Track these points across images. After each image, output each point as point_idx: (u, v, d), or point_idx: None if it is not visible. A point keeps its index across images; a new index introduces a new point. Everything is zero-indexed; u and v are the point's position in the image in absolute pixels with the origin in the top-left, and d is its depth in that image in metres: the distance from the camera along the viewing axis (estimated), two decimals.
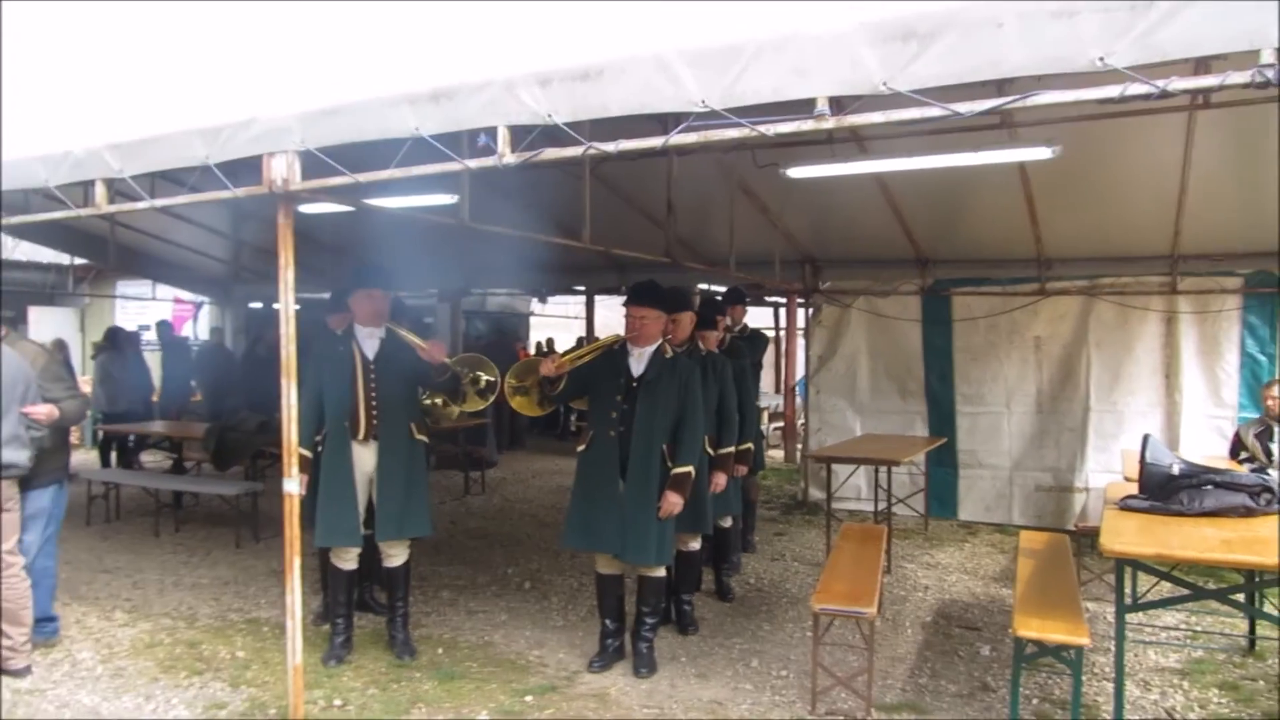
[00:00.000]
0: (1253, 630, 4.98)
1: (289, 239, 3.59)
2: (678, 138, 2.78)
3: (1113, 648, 3.77)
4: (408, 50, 3.66)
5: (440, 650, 4.85)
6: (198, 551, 6.99)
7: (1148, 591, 4.30)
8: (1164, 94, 2.21)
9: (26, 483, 4.46)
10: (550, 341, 15.24)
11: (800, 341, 10.80)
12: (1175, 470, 3.95)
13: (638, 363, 4.54)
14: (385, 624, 4.89)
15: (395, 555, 4.70)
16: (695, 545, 5.18)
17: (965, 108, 2.43)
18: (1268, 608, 4.83)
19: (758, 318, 12.06)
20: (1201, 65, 2.72)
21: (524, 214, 7.86)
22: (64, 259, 12.75)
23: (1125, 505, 3.96)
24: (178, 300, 14.55)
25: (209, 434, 7.96)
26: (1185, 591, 3.77)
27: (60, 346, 8.24)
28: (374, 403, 4.59)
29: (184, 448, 8.89)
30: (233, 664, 4.64)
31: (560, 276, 11.32)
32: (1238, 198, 6.13)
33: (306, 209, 6.28)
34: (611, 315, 14.21)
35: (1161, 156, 5.76)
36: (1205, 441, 7.07)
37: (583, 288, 12.95)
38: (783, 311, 13.29)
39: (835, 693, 4.26)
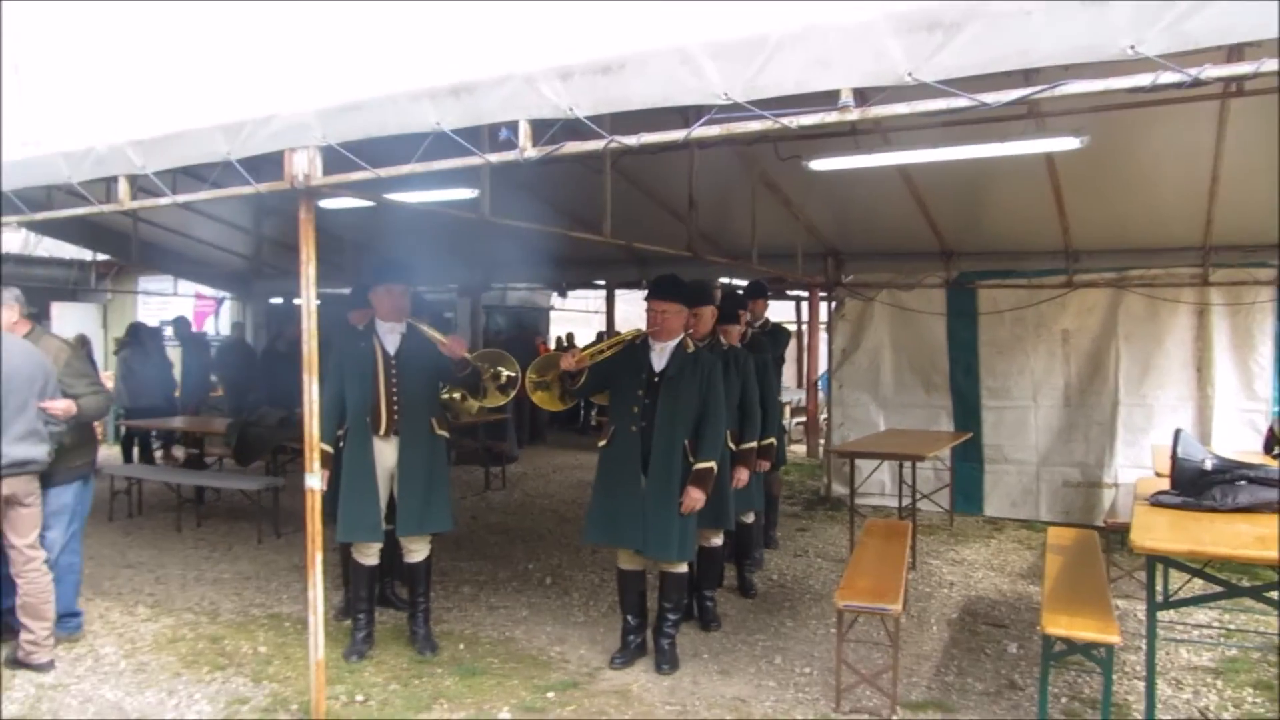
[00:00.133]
0: None
1: (310, 234, 3.59)
2: (700, 130, 2.77)
3: (1144, 646, 3.72)
4: (428, 45, 3.67)
5: (461, 646, 4.85)
6: (219, 546, 7.03)
7: (1179, 589, 4.23)
8: (1196, 82, 2.17)
9: (49, 479, 4.48)
10: (570, 336, 15.22)
11: (822, 335, 10.74)
12: (1207, 465, 3.91)
13: (659, 357, 4.51)
14: (406, 619, 4.90)
15: (416, 550, 4.70)
16: (717, 541, 5.15)
17: (992, 98, 2.39)
18: None
19: (779, 312, 12.04)
20: (1235, 52, 2.66)
21: (544, 208, 7.86)
22: (86, 255, 12.91)
23: (1156, 501, 3.92)
24: (199, 296, 14.67)
25: (230, 429, 8.02)
26: (1218, 589, 3.71)
27: (83, 342, 8.29)
28: (395, 398, 4.58)
29: (205, 443, 8.96)
30: (255, 659, 4.65)
31: (580, 271, 11.30)
32: (1272, 187, 6.01)
33: (327, 204, 6.29)
34: (632, 310, 14.25)
35: (1192, 145, 5.67)
36: (1238, 436, 6.94)
37: (603, 282, 12.94)
38: (805, 305, 13.21)
39: (860, 690, 4.21)
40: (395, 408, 4.58)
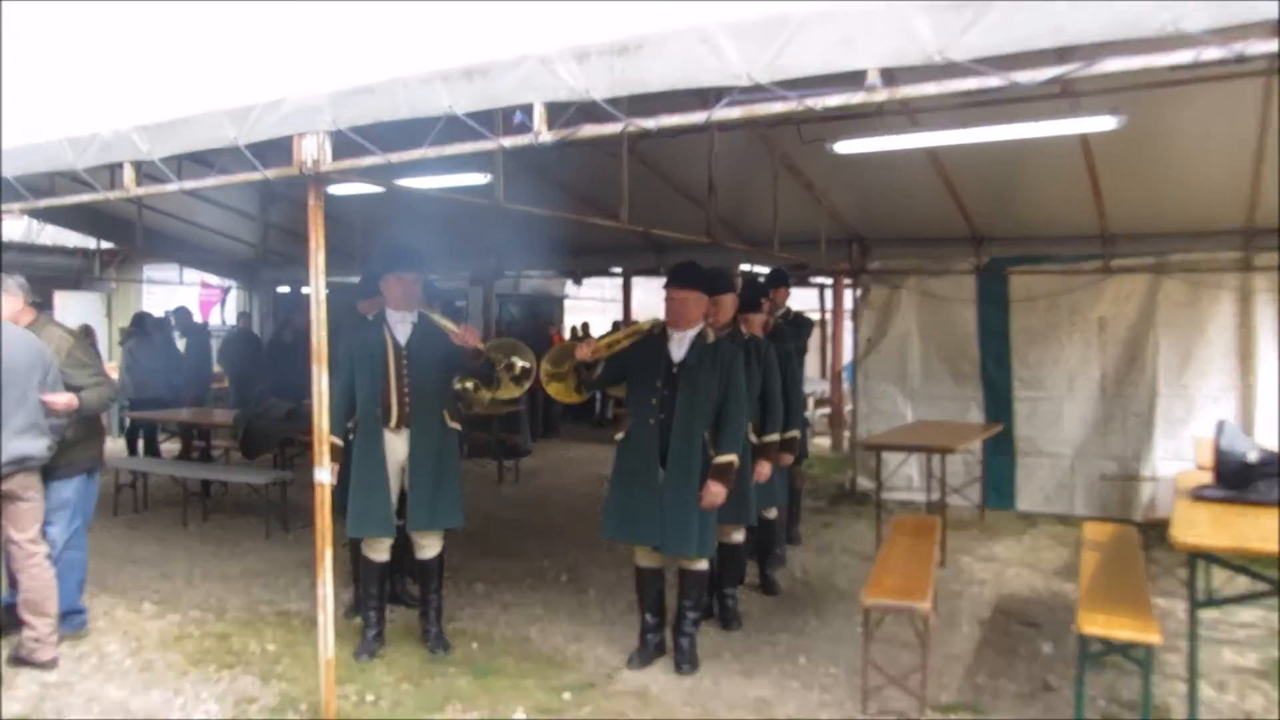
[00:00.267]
0: None
1: (320, 221, 3.53)
2: (721, 113, 2.67)
3: (1185, 646, 3.64)
4: (440, 26, 3.58)
5: (475, 645, 4.76)
6: (226, 542, 6.96)
7: (1223, 586, 4.11)
8: (1241, 59, 2.06)
9: (50, 472, 4.41)
10: (585, 325, 15.06)
11: (847, 324, 10.60)
12: (1252, 458, 3.86)
13: (678, 347, 4.40)
14: (418, 617, 4.81)
15: (428, 546, 4.61)
16: (738, 537, 5.04)
17: (1025, 77, 2.28)
18: None
19: (802, 300, 11.88)
20: None
21: (558, 194, 7.76)
22: (90, 243, 12.83)
23: (1198, 495, 3.86)
24: (204, 284, 14.67)
25: (237, 421, 7.96)
26: (1264, 586, 3.62)
27: (87, 332, 8.28)
28: (406, 389, 4.49)
29: (210, 435, 8.91)
30: (263, 658, 4.57)
31: (596, 258, 11.21)
32: None
33: (336, 190, 6.21)
34: (649, 298, 14.13)
35: (1235, 124, 5.48)
36: None
37: (619, 269, 12.84)
38: (828, 293, 13.07)
39: (887, 692, 4.09)
40: (406, 399, 4.48)
